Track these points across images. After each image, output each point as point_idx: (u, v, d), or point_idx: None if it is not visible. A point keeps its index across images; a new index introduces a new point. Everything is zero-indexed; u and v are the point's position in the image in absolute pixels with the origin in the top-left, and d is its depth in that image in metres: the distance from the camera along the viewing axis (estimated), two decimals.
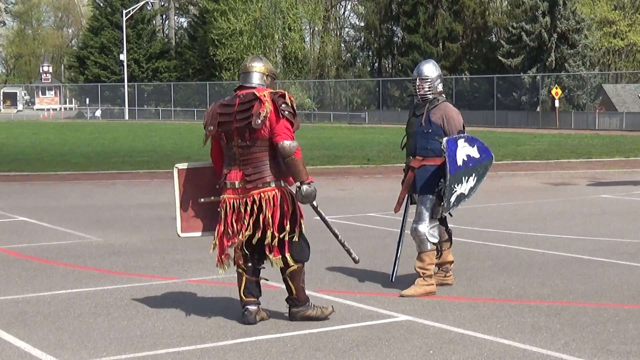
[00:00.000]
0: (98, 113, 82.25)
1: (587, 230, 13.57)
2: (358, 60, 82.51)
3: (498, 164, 27.09)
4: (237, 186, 7.77)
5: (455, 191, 8.98)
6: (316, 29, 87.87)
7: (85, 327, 7.82)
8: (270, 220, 7.70)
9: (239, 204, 7.77)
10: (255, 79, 7.91)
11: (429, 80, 9.24)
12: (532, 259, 11.17)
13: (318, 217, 8.19)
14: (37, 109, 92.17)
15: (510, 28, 65.07)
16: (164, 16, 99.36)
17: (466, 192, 9.17)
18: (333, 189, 20.37)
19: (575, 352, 6.94)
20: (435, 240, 9.14)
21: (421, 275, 9.04)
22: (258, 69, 7.95)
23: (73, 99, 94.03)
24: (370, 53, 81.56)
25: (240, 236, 7.80)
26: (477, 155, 9.18)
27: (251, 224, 7.74)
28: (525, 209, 16.47)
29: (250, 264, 7.93)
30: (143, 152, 32.63)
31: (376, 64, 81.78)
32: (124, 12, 79.54)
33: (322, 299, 8.86)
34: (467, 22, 72.48)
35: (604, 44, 72.45)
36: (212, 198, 8.04)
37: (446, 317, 8.13)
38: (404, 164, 9.72)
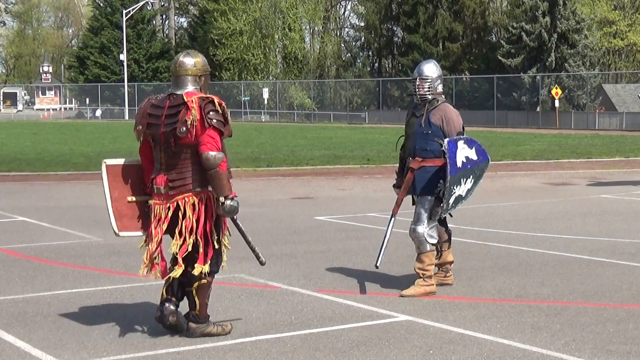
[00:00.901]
0: (98, 113, 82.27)
1: (587, 230, 13.57)
2: (358, 60, 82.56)
3: (498, 164, 27.12)
4: (162, 192, 7.34)
5: (454, 192, 8.98)
6: (316, 29, 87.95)
7: (85, 327, 7.82)
8: (195, 227, 7.28)
9: (161, 209, 7.36)
10: (187, 83, 7.39)
11: (429, 80, 9.22)
12: (532, 259, 11.17)
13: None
14: (37, 109, 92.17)
15: (510, 28, 65.07)
16: (164, 16, 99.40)
17: (464, 194, 9.16)
18: (333, 189, 20.38)
19: (575, 352, 6.95)
20: (434, 241, 9.12)
21: (421, 276, 9.03)
22: (190, 72, 7.42)
23: (73, 99, 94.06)
24: (370, 53, 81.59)
25: (155, 243, 7.38)
26: (475, 157, 9.17)
27: (176, 231, 7.30)
28: (525, 209, 16.47)
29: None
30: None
31: (376, 64, 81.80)
32: (124, 12, 79.55)
33: (322, 300, 8.87)
34: (467, 22, 72.50)
35: (604, 44, 72.48)
36: (138, 198, 7.64)
37: (446, 317, 8.13)
38: (397, 166, 9.71)
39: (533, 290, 9.29)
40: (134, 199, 7.62)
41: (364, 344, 7.25)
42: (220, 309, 8.47)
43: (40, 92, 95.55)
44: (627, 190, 19.62)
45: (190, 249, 7.30)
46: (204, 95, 7.31)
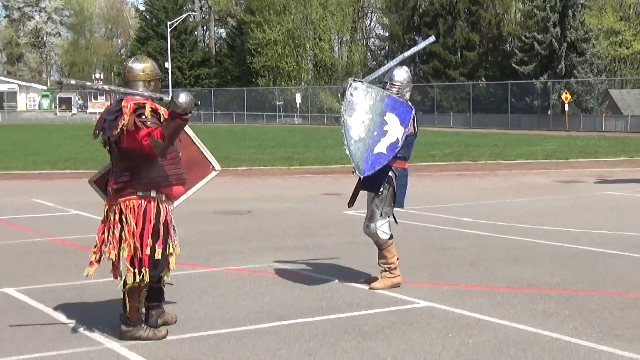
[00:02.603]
0: None
1: (594, 224, 13.51)
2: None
3: (512, 163, 27.07)
4: (110, 193, 6.96)
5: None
6: (344, 39, 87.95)
7: None
8: (134, 230, 6.81)
9: (109, 210, 7.00)
10: (137, 88, 6.89)
11: (397, 85, 8.86)
12: (543, 250, 11.14)
13: None
14: (89, 113, 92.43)
15: (523, 38, 64.74)
16: (205, 27, 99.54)
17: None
18: None
19: (583, 336, 6.93)
20: (387, 236, 8.80)
21: (386, 269, 8.78)
22: (139, 77, 6.97)
23: None
24: None
25: (112, 246, 6.90)
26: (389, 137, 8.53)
27: (121, 234, 6.87)
28: (537, 205, 16.41)
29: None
30: None
31: None
32: (169, 23, 79.73)
33: (350, 287, 8.88)
34: (483, 33, 72.16)
35: (611, 52, 71.95)
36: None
37: (464, 303, 8.13)
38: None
39: (544, 279, 9.27)
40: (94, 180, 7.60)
41: (388, 327, 7.27)
42: (257, 295, 8.51)
43: (92, 97, 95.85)
44: (631, 187, 19.50)
45: (133, 252, 6.83)
46: (141, 101, 6.76)
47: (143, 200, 6.85)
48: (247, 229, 12.95)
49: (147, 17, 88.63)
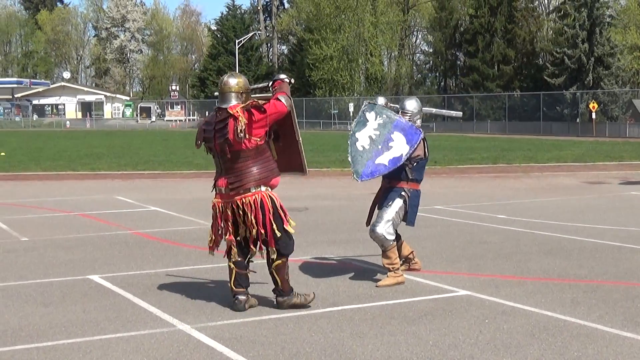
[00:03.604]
0: None
1: (618, 222, 13.31)
2: (427, 80, 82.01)
3: (544, 166, 26.76)
4: (224, 192, 7.31)
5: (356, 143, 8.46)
6: (393, 54, 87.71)
7: (204, 296, 7.91)
8: (254, 221, 7.19)
9: (225, 207, 7.32)
10: (231, 99, 7.27)
11: (409, 114, 8.77)
12: (571, 244, 10.99)
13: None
14: (166, 120, 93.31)
15: (554, 53, 64.09)
16: (269, 44, 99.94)
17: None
18: None
19: (608, 324, 6.82)
20: (392, 237, 8.59)
21: (391, 269, 8.51)
22: (234, 89, 7.31)
23: (195, 112, 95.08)
24: (437, 74, 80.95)
25: (228, 235, 7.37)
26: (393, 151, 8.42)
27: (241, 224, 7.29)
28: (566, 204, 16.21)
29: (240, 259, 7.43)
30: None
31: (442, 83, 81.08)
32: (237, 41, 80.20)
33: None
34: (518, 48, 71.52)
35: (634, 65, 70.81)
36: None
37: (499, 292, 8.04)
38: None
39: (572, 271, 9.14)
40: None
41: (430, 313, 7.21)
42: (313, 283, 8.50)
43: (169, 106, 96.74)
44: None
45: (257, 238, 7.27)
46: (243, 104, 7.22)
47: (257, 196, 7.21)
48: (304, 224, 12.94)
49: (218, 35, 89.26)
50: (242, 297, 7.37)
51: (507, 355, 5.98)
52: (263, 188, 7.26)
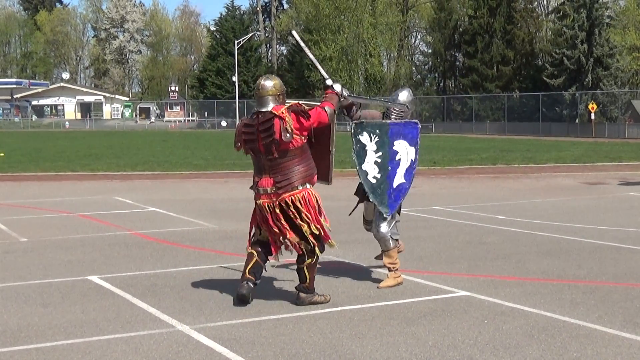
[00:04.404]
0: (224, 123, 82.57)
1: (617, 222, 13.31)
2: (426, 81, 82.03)
3: (543, 167, 26.79)
4: (269, 192, 7.44)
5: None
6: (392, 55, 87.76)
7: (203, 297, 7.91)
8: (309, 217, 7.39)
9: (273, 206, 7.44)
10: (269, 102, 7.39)
11: (398, 108, 8.60)
12: (570, 245, 10.99)
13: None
14: (165, 121, 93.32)
15: (553, 54, 64.17)
16: (268, 45, 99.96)
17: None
18: None
19: (607, 324, 6.82)
20: (398, 236, 8.59)
21: (391, 269, 8.46)
22: (271, 92, 7.42)
23: (194, 113, 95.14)
24: (436, 75, 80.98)
25: (289, 234, 7.44)
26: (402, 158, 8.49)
27: (295, 222, 7.41)
28: (565, 204, 16.21)
29: (261, 250, 7.59)
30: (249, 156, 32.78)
31: (441, 84, 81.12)
32: (236, 42, 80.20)
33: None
34: (517, 49, 71.55)
35: (633, 66, 70.88)
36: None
37: (498, 293, 8.04)
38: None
39: (571, 272, 9.14)
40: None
41: (430, 314, 7.21)
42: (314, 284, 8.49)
43: (168, 107, 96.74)
44: None
45: (309, 233, 7.43)
46: (288, 105, 7.42)
47: (305, 193, 7.42)
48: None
49: (217, 36, 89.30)
50: (250, 284, 7.46)
51: (506, 356, 5.98)
52: (308, 185, 7.48)
